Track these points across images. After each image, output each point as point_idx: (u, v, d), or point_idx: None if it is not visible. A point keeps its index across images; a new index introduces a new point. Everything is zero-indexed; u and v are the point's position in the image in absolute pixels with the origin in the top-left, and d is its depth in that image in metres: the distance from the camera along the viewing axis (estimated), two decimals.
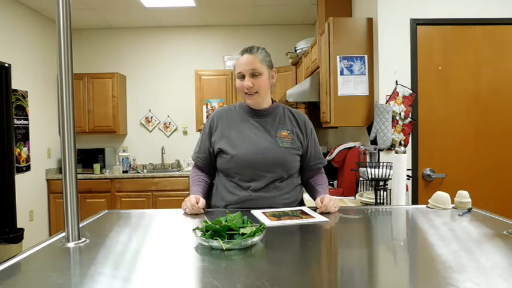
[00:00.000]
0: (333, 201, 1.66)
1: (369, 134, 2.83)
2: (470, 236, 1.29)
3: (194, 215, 1.63)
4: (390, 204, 2.17)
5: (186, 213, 1.65)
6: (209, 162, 1.83)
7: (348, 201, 2.70)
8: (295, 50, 4.46)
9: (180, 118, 5.67)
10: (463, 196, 1.65)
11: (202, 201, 1.66)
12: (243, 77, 1.72)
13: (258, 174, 1.70)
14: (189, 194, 1.75)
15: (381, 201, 2.25)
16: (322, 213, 1.59)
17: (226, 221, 1.21)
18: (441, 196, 1.67)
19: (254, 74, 1.71)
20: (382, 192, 2.24)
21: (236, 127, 1.78)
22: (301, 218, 1.52)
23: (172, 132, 5.70)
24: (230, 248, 1.11)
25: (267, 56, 1.77)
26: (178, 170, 5.45)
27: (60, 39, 1.16)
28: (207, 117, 5.18)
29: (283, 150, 1.73)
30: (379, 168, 2.23)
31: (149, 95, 5.66)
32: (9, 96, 4.21)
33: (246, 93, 1.73)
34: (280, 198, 1.73)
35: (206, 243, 1.14)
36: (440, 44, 2.78)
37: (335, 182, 3.27)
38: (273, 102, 1.83)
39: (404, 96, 2.75)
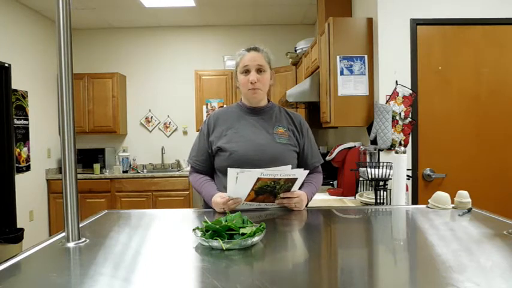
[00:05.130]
0: (299, 202, 1.64)
1: (369, 134, 2.83)
2: (470, 236, 1.29)
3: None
4: (390, 204, 2.17)
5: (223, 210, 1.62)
6: (208, 165, 1.83)
7: (348, 201, 2.70)
8: (295, 50, 4.46)
9: (180, 118, 5.67)
10: (463, 196, 1.65)
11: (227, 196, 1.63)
12: (247, 71, 1.74)
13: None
14: (202, 196, 1.77)
15: (381, 201, 2.25)
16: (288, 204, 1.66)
17: (226, 221, 1.21)
18: (441, 196, 1.67)
19: (260, 70, 1.74)
20: (382, 192, 2.24)
21: (234, 125, 1.79)
22: (273, 201, 1.63)
23: (172, 132, 5.70)
24: (230, 248, 1.11)
25: (270, 56, 1.81)
26: (178, 170, 5.45)
27: (60, 39, 1.16)
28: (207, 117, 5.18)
29: (280, 146, 1.74)
30: (379, 168, 2.23)
31: (149, 95, 5.66)
32: (9, 96, 4.21)
33: (250, 88, 1.74)
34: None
35: (206, 243, 1.14)
36: (440, 44, 2.78)
37: (335, 182, 3.27)
38: (268, 102, 1.86)
39: (404, 96, 2.75)
